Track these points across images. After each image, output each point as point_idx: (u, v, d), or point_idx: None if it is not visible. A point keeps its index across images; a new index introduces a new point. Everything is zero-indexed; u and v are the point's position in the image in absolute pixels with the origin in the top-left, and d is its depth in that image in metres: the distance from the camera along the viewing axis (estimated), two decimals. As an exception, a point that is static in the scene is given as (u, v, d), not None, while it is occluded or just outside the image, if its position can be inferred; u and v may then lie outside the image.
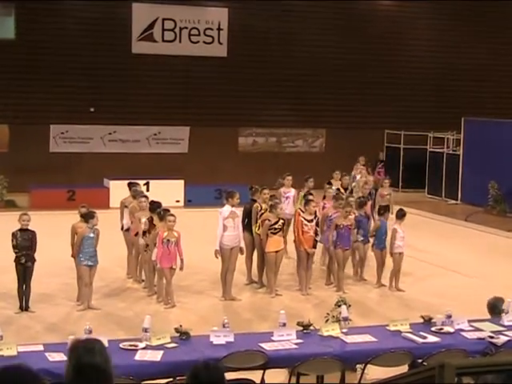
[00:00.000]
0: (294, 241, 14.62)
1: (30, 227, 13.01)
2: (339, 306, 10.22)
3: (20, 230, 12.94)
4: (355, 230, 15.30)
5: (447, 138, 28.51)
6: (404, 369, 8.74)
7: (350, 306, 10.37)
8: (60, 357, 8.45)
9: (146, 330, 9.03)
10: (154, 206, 14.25)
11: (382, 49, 29.59)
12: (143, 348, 8.77)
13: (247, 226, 14.82)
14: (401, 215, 15.18)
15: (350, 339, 9.35)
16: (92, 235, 13.01)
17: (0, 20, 26.88)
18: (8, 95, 25.84)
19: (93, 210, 13.27)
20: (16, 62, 26.07)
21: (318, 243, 15.44)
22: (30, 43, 26.25)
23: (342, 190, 17.37)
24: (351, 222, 15.01)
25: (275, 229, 14.23)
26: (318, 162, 28.45)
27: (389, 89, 29.79)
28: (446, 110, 29.65)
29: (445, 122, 28.84)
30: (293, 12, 28.62)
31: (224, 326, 9.41)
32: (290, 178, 17.38)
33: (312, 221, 14.48)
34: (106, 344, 8.71)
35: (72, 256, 13.52)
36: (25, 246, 12.88)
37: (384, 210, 15.51)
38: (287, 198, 17.02)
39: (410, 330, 9.61)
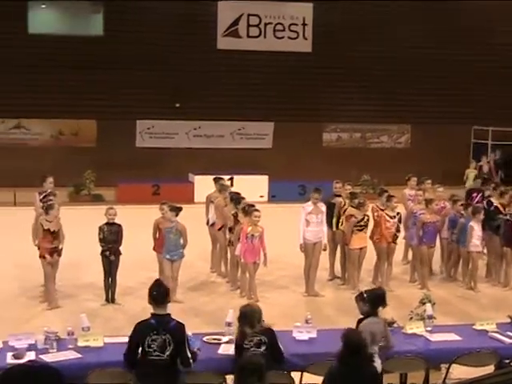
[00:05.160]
0: (371, 237, 14.50)
1: (116, 221, 13.22)
2: (423, 303, 10.10)
3: (106, 223, 13.16)
4: (447, 231, 15.08)
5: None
6: (490, 369, 8.59)
7: (434, 303, 10.22)
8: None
9: (229, 324, 9.09)
10: (237, 198, 14.32)
11: (470, 42, 29.01)
12: (226, 342, 8.82)
13: (328, 221, 14.72)
14: (476, 211, 14.84)
15: (434, 337, 9.24)
16: (171, 229, 13.14)
17: (89, 17, 27.40)
18: (96, 91, 26.28)
19: (176, 205, 13.40)
20: (104, 59, 26.49)
21: (402, 240, 15.31)
22: (117, 40, 26.65)
23: (501, 208, 15.32)
24: (437, 218, 14.81)
25: (361, 226, 14.15)
26: (403, 158, 28.17)
27: (476, 83, 29.20)
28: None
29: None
30: (377, 6, 28.31)
31: (307, 322, 9.40)
32: (415, 178, 16.69)
33: (394, 217, 14.38)
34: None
35: (153, 249, 13.69)
36: (111, 239, 13.10)
37: (475, 210, 15.08)
38: (412, 200, 16.12)
39: (497, 330, 9.45)
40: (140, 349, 7.78)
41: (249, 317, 8.24)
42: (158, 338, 7.70)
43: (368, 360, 7.28)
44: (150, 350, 7.70)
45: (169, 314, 7.92)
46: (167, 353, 7.70)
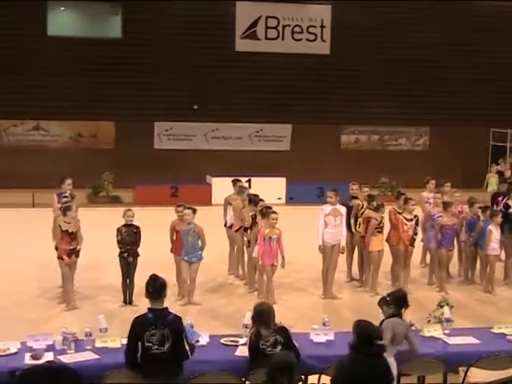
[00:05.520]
0: (387, 240, 14.47)
1: (134, 222, 13.25)
2: (441, 306, 10.07)
3: (125, 225, 13.20)
4: (465, 233, 15.05)
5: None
6: (508, 373, 8.56)
7: (452, 306, 10.19)
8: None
9: (246, 326, 9.10)
10: (255, 200, 14.33)
11: (487, 44, 28.87)
12: (243, 344, 8.83)
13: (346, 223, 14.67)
14: (494, 215, 14.77)
15: (452, 341, 9.22)
16: (186, 231, 13.16)
17: (107, 19, 27.51)
18: (114, 93, 26.40)
19: (193, 207, 13.43)
20: (122, 61, 26.58)
21: (420, 242, 15.27)
22: (135, 42, 26.72)
23: None
24: (455, 221, 14.77)
25: (381, 228, 14.15)
26: (421, 160, 28.09)
27: (495, 85, 29.06)
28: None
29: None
30: (396, 8, 28.21)
31: (324, 325, 9.41)
32: (433, 181, 16.63)
33: (411, 220, 14.33)
34: (207, 339, 8.82)
35: (171, 251, 13.72)
36: (129, 240, 13.13)
37: (493, 214, 14.98)
38: (430, 203, 16.06)
39: (515, 333, 9.40)
40: (140, 344, 7.76)
41: (265, 316, 8.22)
42: (157, 332, 7.71)
43: (380, 350, 7.15)
44: (150, 344, 7.69)
45: (166, 308, 7.93)
46: (167, 346, 7.70)
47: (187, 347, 7.82)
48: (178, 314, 8.01)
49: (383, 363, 7.09)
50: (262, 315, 8.22)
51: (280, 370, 6.31)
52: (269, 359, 7.66)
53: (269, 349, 8.11)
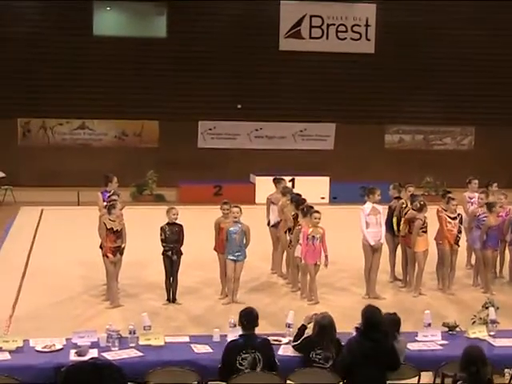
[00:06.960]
0: (435, 238, 14.37)
1: (177, 221, 13.29)
2: (487, 307, 9.97)
3: (168, 223, 13.23)
4: (509, 235, 14.88)
5: None
6: (555, 375, 8.44)
7: (497, 308, 10.07)
8: (205, 349, 8.64)
9: (289, 326, 9.11)
10: (298, 200, 14.26)
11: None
12: (286, 343, 8.84)
13: (388, 223, 14.58)
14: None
15: (497, 342, 9.12)
16: (234, 230, 13.16)
17: (152, 19, 27.68)
18: (159, 92, 26.56)
19: (237, 205, 13.43)
20: (166, 60, 26.76)
21: (464, 243, 15.12)
22: (180, 41, 26.87)
23: None
24: (499, 222, 14.63)
25: (425, 228, 14.07)
26: (466, 160, 27.83)
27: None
28: None
29: None
30: (441, 6, 28.00)
31: (367, 324, 9.34)
32: (476, 181, 16.30)
33: (455, 218, 14.23)
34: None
35: (214, 250, 13.72)
36: (173, 239, 13.16)
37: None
38: (472, 203, 15.87)
39: (562, 335, 9.28)
40: (233, 367, 8.05)
41: (328, 331, 8.37)
42: (248, 356, 8.09)
43: (384, 335, 7.91)
44: (242, 367, 8.05)
45: (254, 333, 8.35)
46: (258, 369, 8.05)
47: (277, 363, 8.26)
48: (266, 338, 8.54)
49: (385, 349, 7.83)
50: (326, 331, 8.35)
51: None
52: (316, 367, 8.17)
53: (320, 361, 8.29)
